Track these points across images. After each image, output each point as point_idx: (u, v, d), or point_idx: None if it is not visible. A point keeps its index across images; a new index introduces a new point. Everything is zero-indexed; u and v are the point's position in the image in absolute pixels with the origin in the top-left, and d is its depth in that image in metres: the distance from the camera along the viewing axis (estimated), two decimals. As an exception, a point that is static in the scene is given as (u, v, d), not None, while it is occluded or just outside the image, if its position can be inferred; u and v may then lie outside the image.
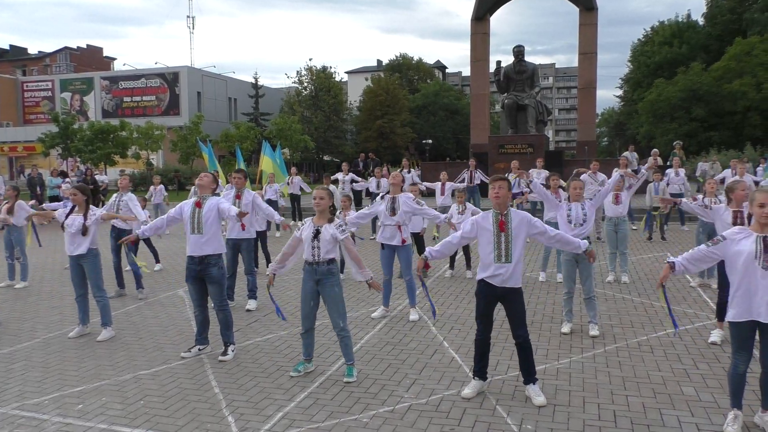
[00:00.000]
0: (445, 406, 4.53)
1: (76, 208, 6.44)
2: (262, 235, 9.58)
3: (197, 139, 23.11)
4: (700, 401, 4.53)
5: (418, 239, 9.25)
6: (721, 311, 5.87)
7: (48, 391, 5.00)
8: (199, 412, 4.51)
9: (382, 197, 7.19)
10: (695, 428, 4.10)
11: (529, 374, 4.67)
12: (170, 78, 48.49)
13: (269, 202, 12.70)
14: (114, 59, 68.25)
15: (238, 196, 7.57)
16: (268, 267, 9.73)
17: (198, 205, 5.78)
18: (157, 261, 10.38)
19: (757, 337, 3.93)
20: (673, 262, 4.12)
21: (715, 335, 5.89)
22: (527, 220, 4.66)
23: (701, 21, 48.01)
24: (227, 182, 12.81)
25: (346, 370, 5.13)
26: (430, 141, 47.84)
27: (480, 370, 4.79)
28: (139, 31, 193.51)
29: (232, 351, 5.74)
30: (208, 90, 50.67)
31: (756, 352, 4.02)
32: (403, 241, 6.98)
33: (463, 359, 5.52)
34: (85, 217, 6.36)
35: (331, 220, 5.05)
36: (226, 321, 5.75)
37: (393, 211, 6.96)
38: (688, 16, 48.36)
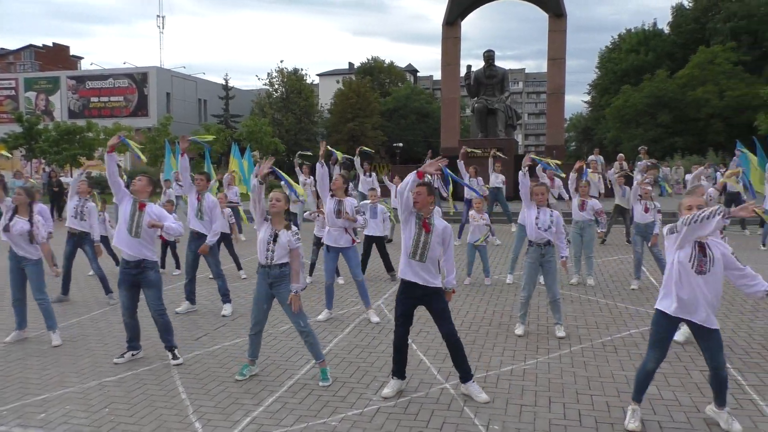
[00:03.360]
0: (414, 408, 4.56)
1: (18, 209, 6.20)
2: (225, 239, 9.43)
3: (166, 142, 22.81)
4: (662, 399, 4.65)
5: (380, 244, 9.23)
6: None
7: (8, 400, 4.87)
8: (166, 419, 4.46)
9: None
10: (657, 426, 4.21)
11: (465, 371, 4.73)
12: (139, 78, 47.64)
13: (230, 204, 12.63)
14: (81, 58, 66.87)
15: (198, 198, 7.48)
16: (240, 271, 9.69)
17: (141, 207, 5.59)
18: (178, 267, 10.13)
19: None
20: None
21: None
22: (448, 233, 4.76)
23: (667, 29, 49.21)
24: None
25: (320, 373, 5.12)
26: (401, 144, 48.11)
27: (399, 370, 4.88)
28: (107, 30, 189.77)
29: (178, 355, 5.64)
30: (177, 91, 49.92)
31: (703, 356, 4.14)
32: (353, 242, 7.04)
33: (431, 361, 5.56)
34: (31, 223, 6.16)
35: (288, 227, 5.06)
36: (165, 326, 5.65)
37: (339, 213, 6.97)
38: (654, 24, 49.56)
